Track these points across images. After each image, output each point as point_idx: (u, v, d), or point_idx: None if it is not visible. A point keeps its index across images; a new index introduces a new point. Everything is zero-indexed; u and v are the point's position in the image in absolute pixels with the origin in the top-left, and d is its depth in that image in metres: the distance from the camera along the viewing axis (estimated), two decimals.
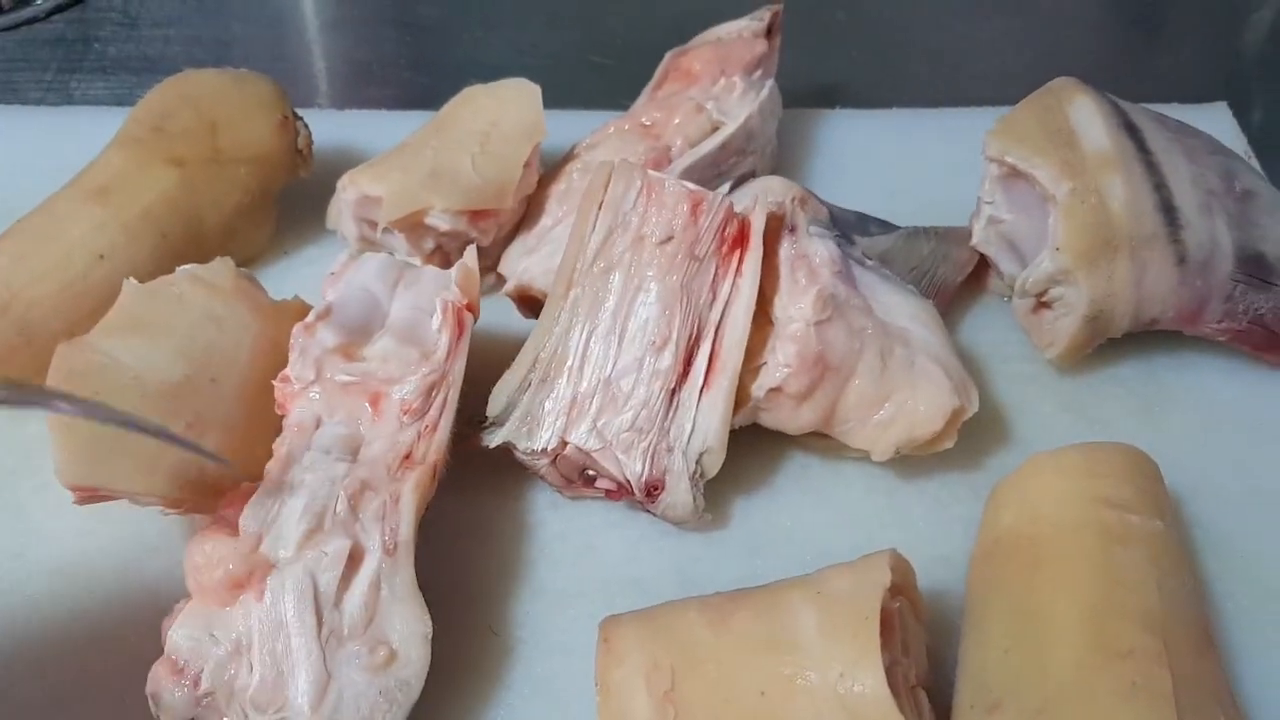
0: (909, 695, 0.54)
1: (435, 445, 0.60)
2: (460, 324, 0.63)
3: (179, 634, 0.54)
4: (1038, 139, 0.70)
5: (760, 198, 0.64)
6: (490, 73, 0.83)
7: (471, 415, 0.64)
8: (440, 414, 0.60)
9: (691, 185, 0.65)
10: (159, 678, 0.53)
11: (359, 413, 0.60)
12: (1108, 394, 0.74)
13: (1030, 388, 0.74)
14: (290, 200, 0.82)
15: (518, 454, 0.63)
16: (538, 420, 0.63)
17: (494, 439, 0.63)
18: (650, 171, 0.65)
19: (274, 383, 0.62)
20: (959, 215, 0.78)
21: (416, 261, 0.76)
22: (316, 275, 0.79)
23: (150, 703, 0.54)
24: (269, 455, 0.64)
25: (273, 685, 0.53)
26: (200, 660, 0.53)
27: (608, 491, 0.63)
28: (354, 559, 0.56)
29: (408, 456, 0.59)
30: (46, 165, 0.83)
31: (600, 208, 0.65)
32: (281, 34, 1.07)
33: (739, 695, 0.53)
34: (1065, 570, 0.57)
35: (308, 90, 0.99)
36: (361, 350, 0.63)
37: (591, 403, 0.62)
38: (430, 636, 0.55)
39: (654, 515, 0.63)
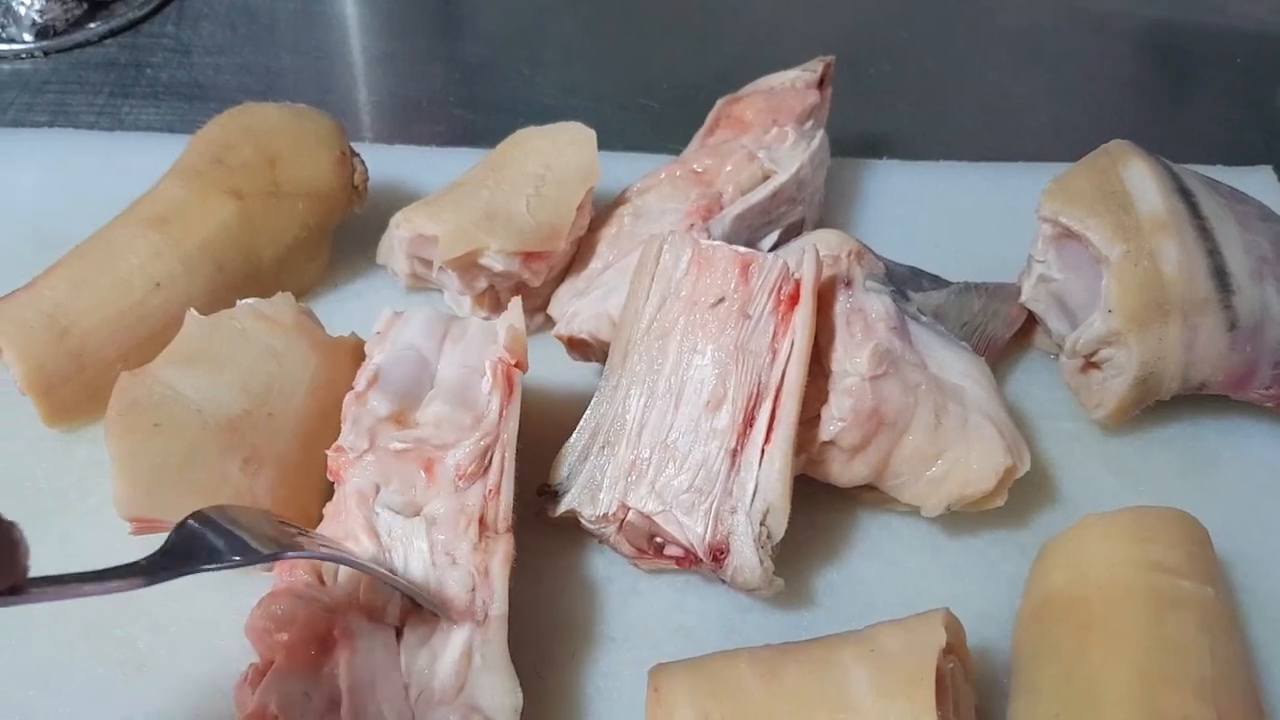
0: None
1: (504, 508, 0.60)
2: (510, 384, 0.63)
3: (272, 695, 0.53)
4: (1092, 201, 0.71)
5: (808, 251, 0.65)
6: (538, 112, 0.84)
7: (538, 485, 0.64)
8: (501, 476, 0.60)
9: (742, 248, 0.65)
10: None
11: (414, 479, 0.60)
12: (1154, 455, 0.74)
13: (1076, 446, 0.74)
14: (339, 234, 0.82)
15: (584, 523, 0.64)
16: (599, 486, 0.63)
17: (558, 508, 0.64)
18: (701, 240, 0.66)
19: (328, 453, 0.62)
20: (1002, 269, 0.79)
21: (465, 305, 0.76)
22: (365, 309, 0.80)
23: None
24: (320, 491, 0.65)
25: None
26: (292, 717, 0.52)
27: (678, 560, 0.63)
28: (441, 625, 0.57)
29: (482, 521, 0.59)
30: (98, 189, 0.85)
31: (653, 279, 0.66)
32: (331, 67, 1.08)
33: None
34: (1117, 634, 0.57)
35: (355, 124, 1.00)
36: (414, 414, 0.62)
37: (650, 465, 0.62)
38: (520, 709, 0.56)
39: (726, 584, 0.62)
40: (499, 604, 0.57)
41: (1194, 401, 0.75)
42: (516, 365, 0.63)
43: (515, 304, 0.65)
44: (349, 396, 0.63)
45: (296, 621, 0.54)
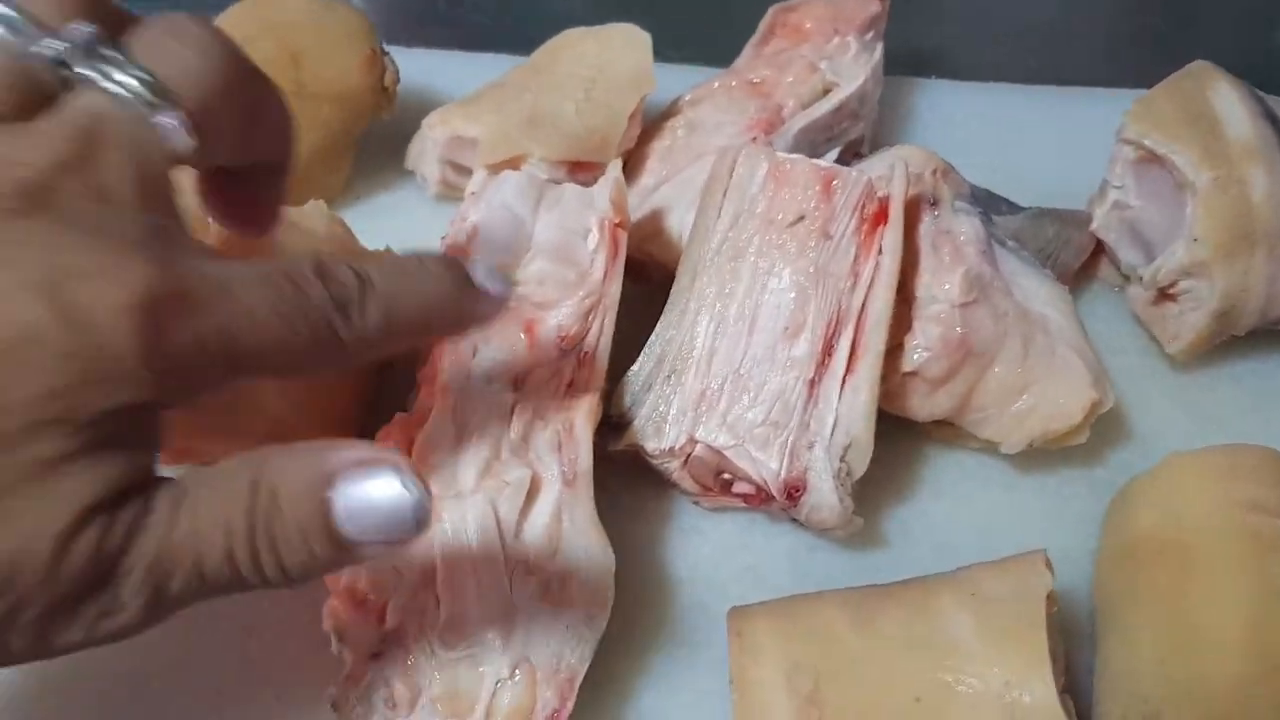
0: (1063, 703, 0.51)
1: (597, 372, 0.57)
2: (616, 243, 0.59)
3: (361, 571, 0.51)
4: (1178, 124, 0.67)
5: (897, 168, 0.60)
6: (561, 18, 0.78)
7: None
8: (598, 339, 0.57)
9: (824, 163, 0.61)
10: (339, 612, 0.50)
11: (514, 340, 0.57)
12: (1223, 391, 0.71)
13: (1143, 382, 0.71)
14: (362, 143, 0.76)
15: (647, 457, 0.59)
16: (664, 417, 0.59)
17: (620, 441, 0.59)
18: (779, 154, 0.61)
19: None
20: (1056, 194, 0.75)
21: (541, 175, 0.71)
22: (390, 224, 0.75)
23: (333, 639, 0.50)
24: (350, 406, 0.61)
25: (462, 621, 0.50)
26: (384, 593, 0.50)
27: (746, 497, 0.59)
28: (532, 489, 0.53)
29: (571, 384, 0.56)
30: None
31: (725, 195, 0.61)
32: None
33: (891, 700, 0.49)
34: (1221, 578, 0.54)
35: None
36: (514, 272, 0.59)
37: (721, 396, 0.58)
38: (614, 571, 0.53)
39: (799, 522, 0.59)
40: (584, 459, 0.55)
41: (1261, 337, 0.72)
42: (620, 224, 0.60)
43: (615, 164, 0.62)
44: (444, 250, 0.60)
45: None
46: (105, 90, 0.37)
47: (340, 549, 0.36)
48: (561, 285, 0.58)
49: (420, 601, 0.51)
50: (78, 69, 0.37)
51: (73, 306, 0.33)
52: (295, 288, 0.38)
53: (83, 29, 0.37)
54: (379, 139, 0.77)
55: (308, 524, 0.36)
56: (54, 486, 0.33)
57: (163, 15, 0.40)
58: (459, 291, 0.44)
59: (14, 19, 0.36)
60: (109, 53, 0.37)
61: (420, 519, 0.36)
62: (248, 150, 0.43)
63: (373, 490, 0.36)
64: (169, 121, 0.38)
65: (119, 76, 0.37)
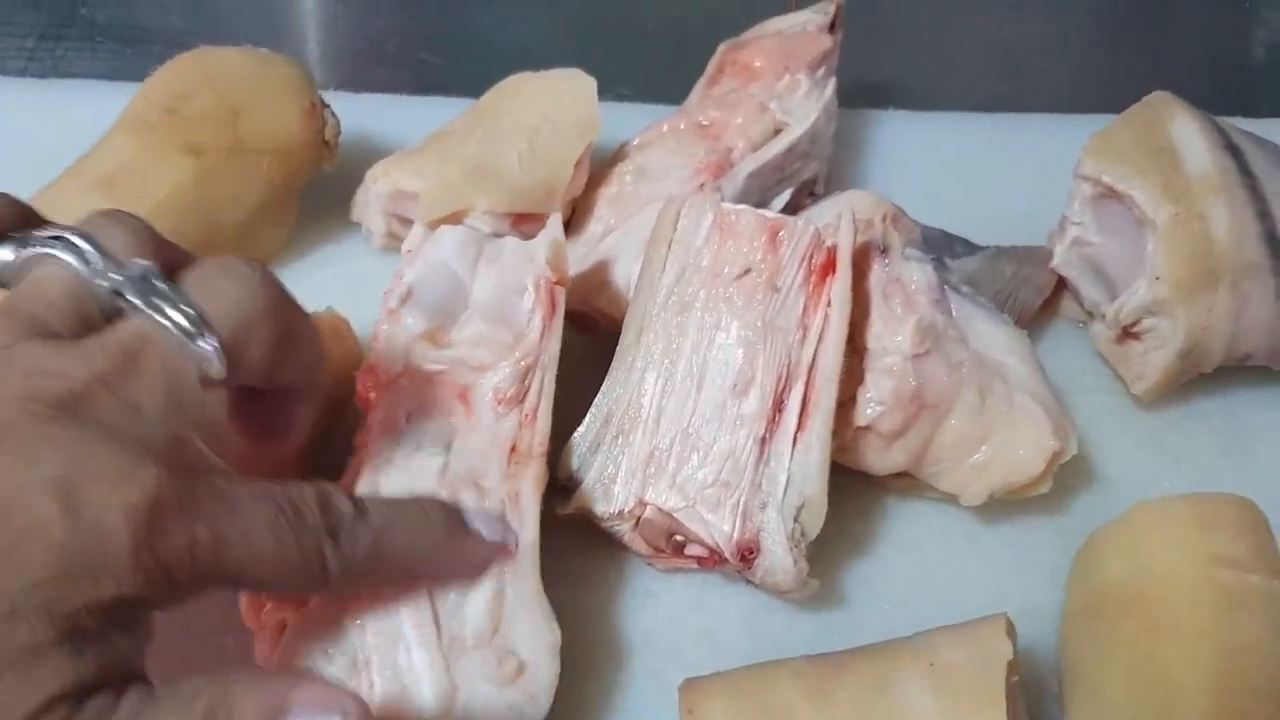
0: None
1: (539, 435, 0.55)
2: (553, 301, 0.58)
3: (291, 656, 0.48)
4: (1137, 158, 0.65)
5: (844, 216, 0.59)
6: (513, 58, 0.77)
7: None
8: (539, 400, 0.56)
9: (770, 213, 0.60)
10: None
11: (450, 406, 0.55)
12: (1189, 430, 0.69)
13: (1109, 421, 0.69)
14: (304, 195, 0.75)
15: (596, 521, 0.58)
16: (613, 480, 0.57)
17: (567, 505, 0.57)
18: (724, 204, 0.60)
19: (357, 374, 0.57)
20: (1020, 227, 0.73)
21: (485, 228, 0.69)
22: (336, 278, 0.73)
23: None
24: (297, 470, 0.59)
25: (397, 700, 0.48)
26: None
27: (700, 560, 0.57)
28: None
29: (513, 449, 0.55)
30: (33, 143, 0.77)
31: (670, 247, 0.60)
32: (284, 6, 0.99)
33: None
34: (1187, 635, 0.52)
35: (310, 70, 0.91)
36: (449, 334, 0.58)
37: (670, 457, 0.56)
38: (559, 647, 0.51)
39: (754, 585, 0.57)
40: (529, 529, 0.53)
41: (1226, 373, 0.70)
42: (559, 282, 0.58)
43: (555, 220, 0.60)
44: (381, 315, 0.58)
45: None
46: (152, 318, 0.41)
47: None
48: (498, 347, 0.57)
49: (354, 685, 0.49)
50: (131, 299, 0.41)
51: (80, 504, 0.36)
52: (295, 510, 0.41)
53: (141, 264, 0.42)
54: (326, 188, 0.75)
55: None
56: (25, 673, 0.34)
57: (218, 257, 0.45)
58: (450, 536, 0.49)
59: (87, 251, 0.41)
60: (161, 286, 0.41)
61: None
62: (276, 375, 0.46)
63: None
64: (205, 349, 0.41)
65: (165, 307, 0.41)
